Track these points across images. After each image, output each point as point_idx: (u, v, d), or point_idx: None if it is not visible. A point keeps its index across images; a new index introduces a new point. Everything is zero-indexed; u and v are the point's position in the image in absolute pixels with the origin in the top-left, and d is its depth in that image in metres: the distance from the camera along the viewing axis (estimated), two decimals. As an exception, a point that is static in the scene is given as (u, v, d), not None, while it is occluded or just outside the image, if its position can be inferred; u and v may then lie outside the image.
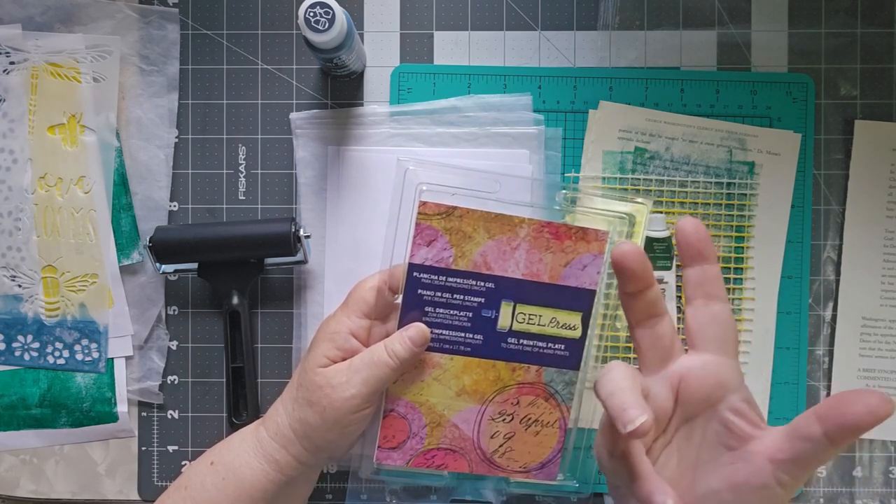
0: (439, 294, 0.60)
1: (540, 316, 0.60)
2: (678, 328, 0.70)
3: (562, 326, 0.61)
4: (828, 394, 0.70)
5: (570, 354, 0.61)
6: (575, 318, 0.61)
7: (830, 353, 0.71)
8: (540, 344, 0.61)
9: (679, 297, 0.69)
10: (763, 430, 0.46)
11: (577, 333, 0.61)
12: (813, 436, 0.43)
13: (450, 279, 0.59)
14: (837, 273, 0.71)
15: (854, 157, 0.71)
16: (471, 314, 0.60)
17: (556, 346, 0.61)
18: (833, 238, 0.71)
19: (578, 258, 0.60)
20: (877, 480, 0.70)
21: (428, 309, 0.60)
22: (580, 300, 0.60)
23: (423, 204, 0.59)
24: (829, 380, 0.70)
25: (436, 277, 0.59)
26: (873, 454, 0.70)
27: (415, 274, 0.59)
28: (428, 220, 0.59)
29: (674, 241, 0.69)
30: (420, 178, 0.59)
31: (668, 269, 0.69)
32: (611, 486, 0.51)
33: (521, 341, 0.60)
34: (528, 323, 0.60)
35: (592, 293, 0.61)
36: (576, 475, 0.65)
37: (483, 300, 0.60)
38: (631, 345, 0.69)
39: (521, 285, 0.60)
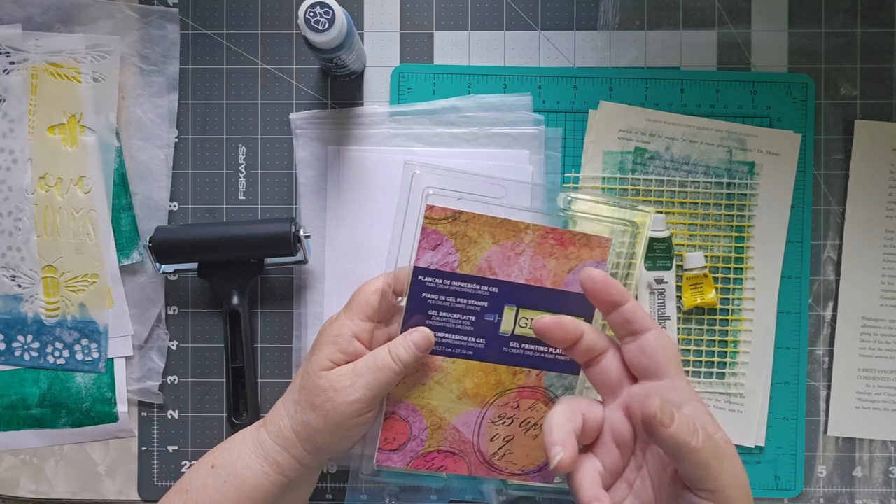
0: (443, 298, 0.59)
1: None
2: (678, 328, 0.70)
3: None
4: (828, 394, 0.71)
5: (570, 359, 0.61)
6: None
7: (830, 353, 0.71)
8: (541, 349, 0.61)
9: (679, 297, 0.70)
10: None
11: None
12: None
13: (454, 283, 0.59)
14: (837, 273, 0.71)
15: (854, 157, 0.71)
16: (474, 318, 0.60)
17: (557, 351, 0.61)
18: (833, 238, 0.71)
19: (582, 265, 0.60)
20: (877, 480, 0.70)
21: (431, 312, 0.60)
22: (582, 306, 0.60)
23: (430, 208, 0.59)
24: (829, 380, 0.71)
25: (440, 281, 0.59)
26: (873, 454, 0.70)
27: (419, 277, 0.59)
28: (434, 224, 0.59)
29: (674, 241, 0.69)
30: (426, 182, 0.59)
31: (669, 269, 0.69)
32: None
33: (523, 346, 0.60)
34: (530, 328, 0.60)
35: None
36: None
37: (486, 304, 0.60)
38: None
39: (525, 290, 0.60)
